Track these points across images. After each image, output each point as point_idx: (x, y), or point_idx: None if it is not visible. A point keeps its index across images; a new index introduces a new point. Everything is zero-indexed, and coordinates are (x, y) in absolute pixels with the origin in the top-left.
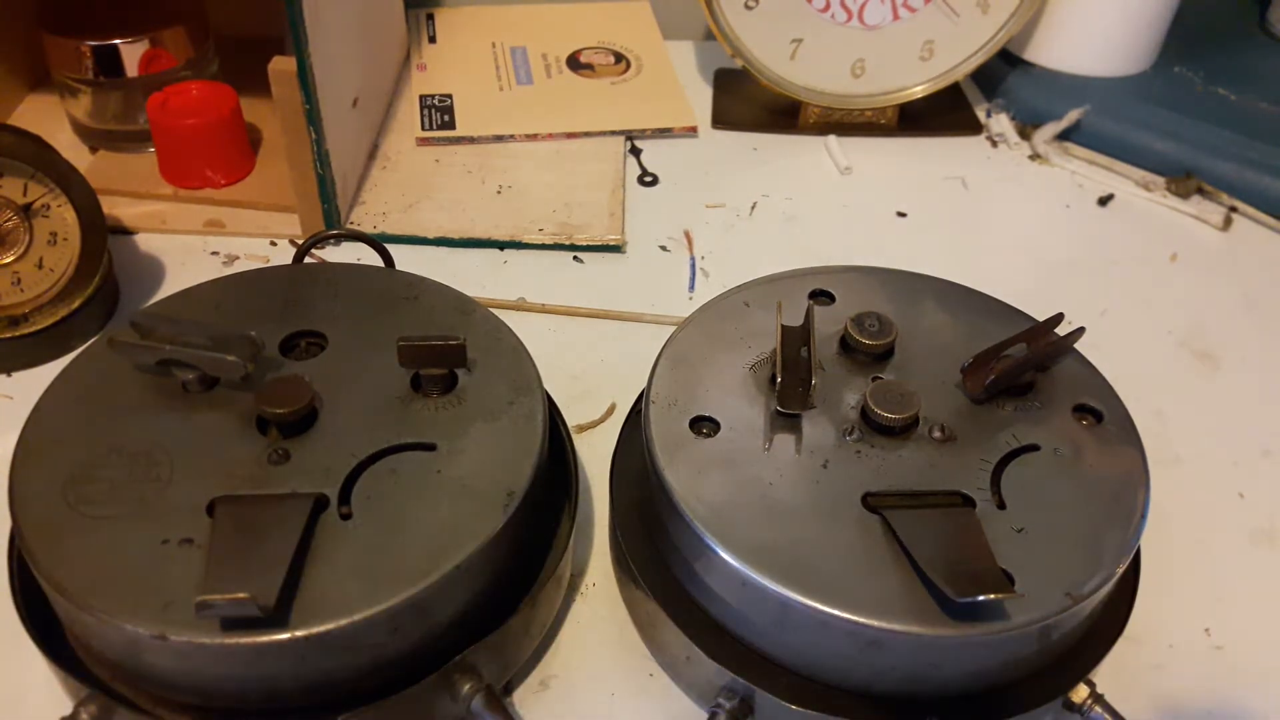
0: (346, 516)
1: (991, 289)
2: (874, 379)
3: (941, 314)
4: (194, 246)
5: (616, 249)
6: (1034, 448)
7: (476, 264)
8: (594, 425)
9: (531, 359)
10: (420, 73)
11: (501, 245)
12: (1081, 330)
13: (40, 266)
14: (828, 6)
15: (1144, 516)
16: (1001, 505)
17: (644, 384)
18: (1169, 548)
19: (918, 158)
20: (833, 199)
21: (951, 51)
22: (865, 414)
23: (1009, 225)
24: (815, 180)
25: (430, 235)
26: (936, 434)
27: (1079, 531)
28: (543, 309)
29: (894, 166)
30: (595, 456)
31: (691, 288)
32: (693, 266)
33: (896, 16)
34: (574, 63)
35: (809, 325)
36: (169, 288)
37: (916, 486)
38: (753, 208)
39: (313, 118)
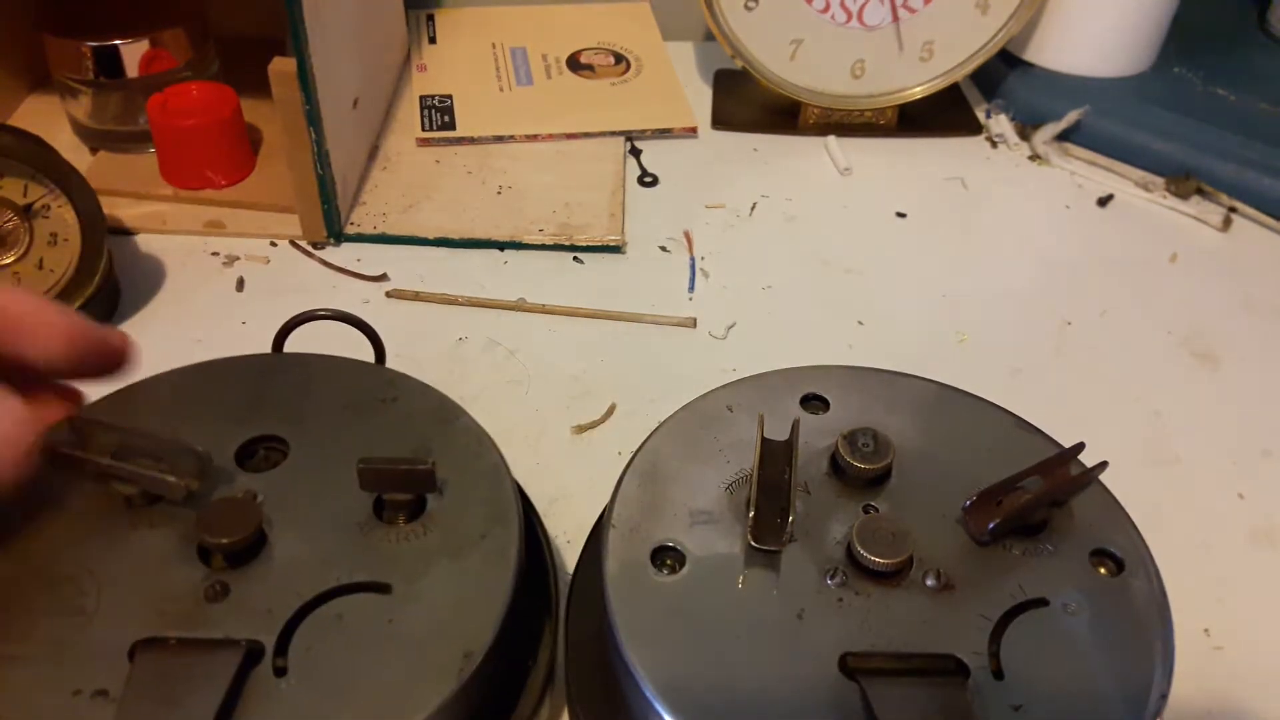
0: (281, 671)
1: (992, 290)
2: (865, 507)
3: (948, 431)
4: (194, 247)
5: (616, 249)
6: (1042, 602)
7: (476, 264)
8: (594, 425)
9: (512, 478)
10: (420, 73)
11: (501, 245)
12: (1104, 464)
13: (40, 267)
14: (828, 7)
15: (1164, 698)
16: (999, 674)
17: (643, 385)
18: (1168, 548)
19: (918, 158)
20: (833, 199)
21: (951, 52)
22: (851, 554)
23: (1009, 226)
24: (815, 181)
25: (430, 236)
26: (931, 581)
27: (1083, 714)
28: (543, 309)
29: (894, 167)
30: (595, 457)
31: (691, 288)
32: (693, 267)
33: (896, 17)
34: (574, 63)
35: (793, 443)
36: (169, 288)
37: (904, 646)
38: (753, 208)
39: (313, 118)
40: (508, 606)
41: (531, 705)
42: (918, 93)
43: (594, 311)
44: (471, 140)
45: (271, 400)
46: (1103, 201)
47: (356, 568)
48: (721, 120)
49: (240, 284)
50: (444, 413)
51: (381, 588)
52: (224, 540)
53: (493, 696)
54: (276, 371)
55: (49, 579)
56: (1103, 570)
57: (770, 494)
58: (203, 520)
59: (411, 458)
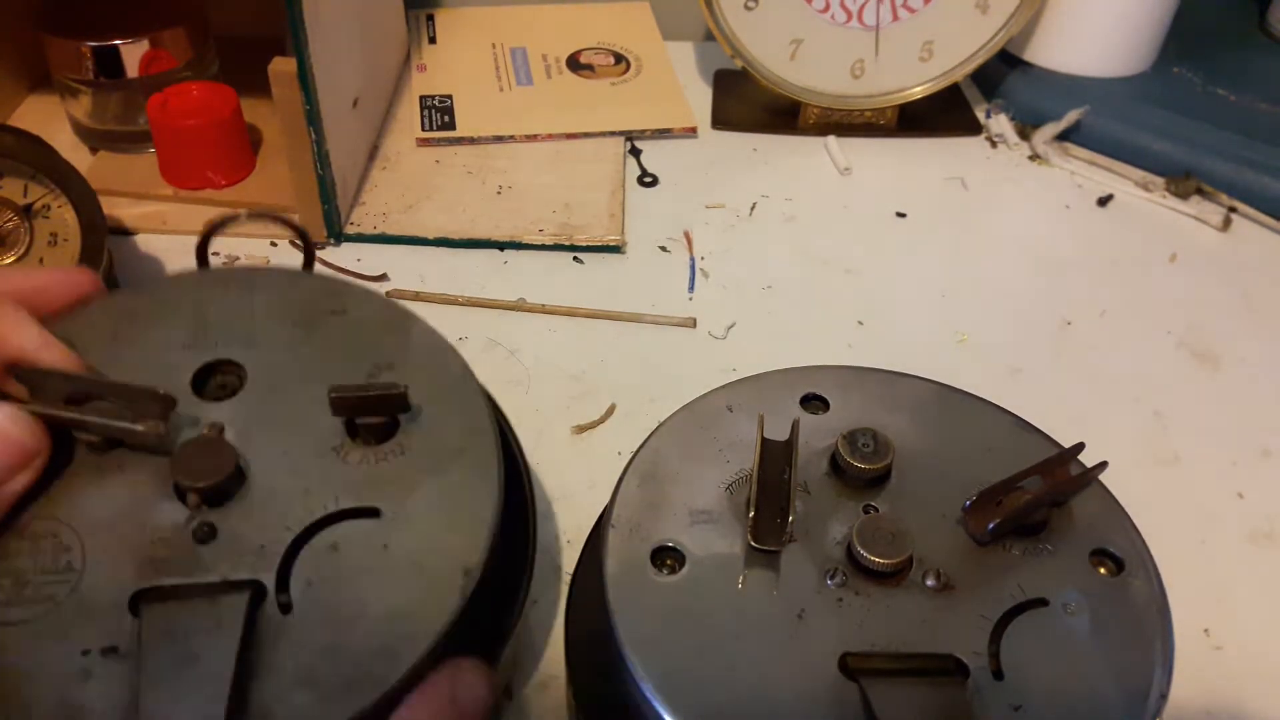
0: (286, 607)
1: (992, 290)
2: (865, 507)
3: (948, 431)
4: (194, 247)
5: (616, 249)
6: (1042, 602)
7: (476, 264)
8: (594, 425)
9: (480, 386)
10: (420, 73)
11: (501, 246)
12: (1104, 464)
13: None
14: (827, 7)
15: (1164, 698)
16: (999, 674)
17: (643, 385)
18: (1168, 548)
19: (918, 158)
20: (833, 199)
21: (951, 52)
22: (851, 554)
23: (1009, 226)
24: (815, 181)
25: (430, 236)
26: (931, 581)
27: (1083, 714)
28: (543, 309)
29: (894, 167)
30: (595, 457)
31: (691, 288)
32: (692, 267)
33: (896, 17)
34: (574, 63)
35: (793, 443)
36: None
37: (904, 646)
38: (752, 208)
39: (313, 118)
40: (497, 518)
41: (516, 619)
42: (918, 93)
43: (594, 311)
44: (471, 140)
45: (216, 321)
46: (1103, 201)
47: (341, 494)
48: (721, 120)
49: None
50: (396, 321)
51: (370, 512)
52: (202, 484)
53: (490, 612)
54: (211, 288)
55: (27, 536)
56: (1103, 570)
57: (770, 494)
58: (177, 464)
59: (384, 383)
